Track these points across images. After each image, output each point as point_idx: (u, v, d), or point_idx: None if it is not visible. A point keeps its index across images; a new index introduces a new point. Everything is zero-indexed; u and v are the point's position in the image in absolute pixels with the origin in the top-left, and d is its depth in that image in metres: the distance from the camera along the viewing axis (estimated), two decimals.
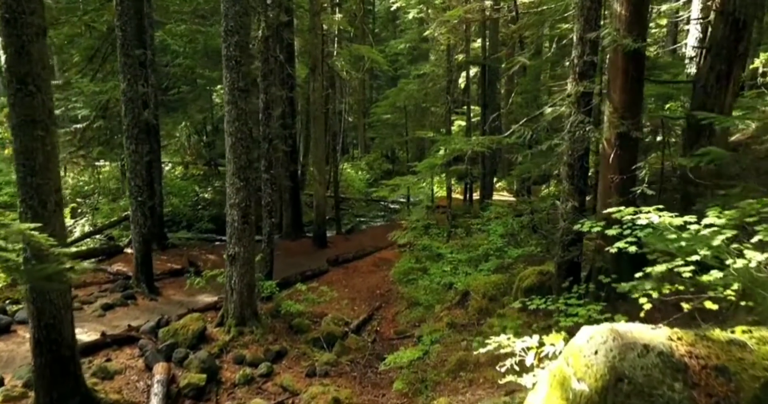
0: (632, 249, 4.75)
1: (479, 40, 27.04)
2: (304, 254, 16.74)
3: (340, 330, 10.52)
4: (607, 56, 7.74)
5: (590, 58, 7.58)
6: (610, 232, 5.08)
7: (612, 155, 7.26)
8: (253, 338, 9.77)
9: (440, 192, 29.60)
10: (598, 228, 5.28)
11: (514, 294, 9.74)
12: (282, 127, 17.04)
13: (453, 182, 28.22)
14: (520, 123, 7.62)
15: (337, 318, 11.09)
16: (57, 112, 13.47)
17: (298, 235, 17.76)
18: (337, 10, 27.76)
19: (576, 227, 5.64)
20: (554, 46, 18.87)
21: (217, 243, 19.42)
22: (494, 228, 12.54)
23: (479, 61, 23.57)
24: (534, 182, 28.44)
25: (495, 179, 26.81)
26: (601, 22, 7.82)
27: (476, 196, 26.98)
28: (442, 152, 7.28)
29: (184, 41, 18.16)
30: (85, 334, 9.34)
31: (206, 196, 25.12)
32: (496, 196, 26.60)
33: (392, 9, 30.25)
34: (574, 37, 7.79)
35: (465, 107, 29.02)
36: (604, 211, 7.44)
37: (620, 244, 4.88)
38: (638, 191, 6.93)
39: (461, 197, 27.50)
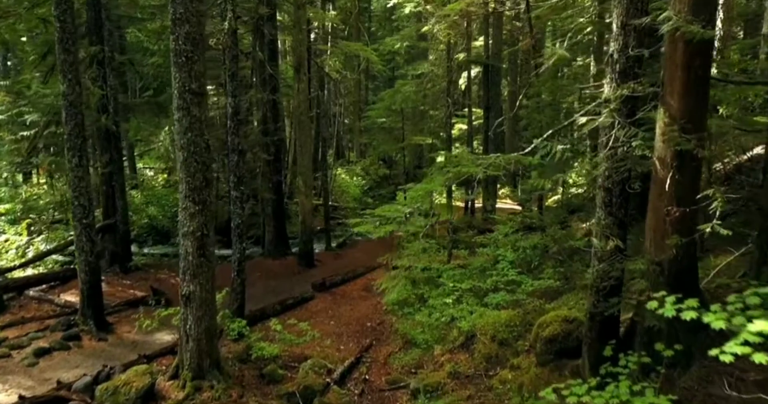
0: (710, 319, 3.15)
1: (481, 38, 25.33)
2: (287, 276, 14.96)
3: (320, 382, 8.73)
4: (662, 49, 5.98)
5: (637, 51, 5.81)
6: (687, 315, 3.38)
7: (668, 180, 5.48)
8: (213, 395, 7.99)
9: (440, 198, 27.91)
10: (671, 312, 3.53)
11: (533, 342, 7.98)
12: (263, 133, 15.27)
13: (453, 187, 26.59)
14: (545, 136, 5.86)
15: (319, 365, 9.29)
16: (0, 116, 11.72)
17: (282, 253, 15.98)
18: (330, 7, 26.02)
19: (651, 306, 3.86)
20: (566, 41, 17.13)
21: None
22: (503, 254, 10.77)
23: (481, 61, 21.84)
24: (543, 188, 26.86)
25: (498, 184, 25.07)
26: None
27: (478, 202, 25.31)
28: (444, 176, 5.51)
29: (159, 38, 16.40)
30: (1, 394, 7.56)
31: None
32: (499, 204, 24.84)
33: (389, 5, 28.53)
34: (614, 25, 6.03)
35: (466, 110, 27.33)
36: (661, 258, 5.71)
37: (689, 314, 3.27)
38: (707, 229, 5.16)
39: (462, 204, 25.79)
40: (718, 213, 5.14)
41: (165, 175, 28.03)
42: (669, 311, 3.40)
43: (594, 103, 6.11)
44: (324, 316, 12.19)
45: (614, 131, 5.49)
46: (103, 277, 13.42)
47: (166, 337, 10.26)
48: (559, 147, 5.74)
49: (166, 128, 29.13)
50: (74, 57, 9.34)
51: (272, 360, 9.36)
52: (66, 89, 9.34)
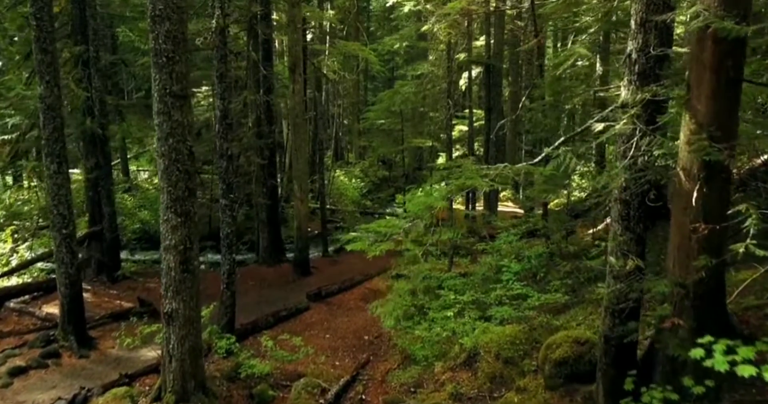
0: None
1: (482, 38, 24.79)
2: (281, 284, 14.41)
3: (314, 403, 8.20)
4: (686, 48, 5.44)
5: (659, 50, 5.27)
6: (744, 371, 2.84)
7: (695, 193, 4.94)
8: None
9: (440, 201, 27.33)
10: (723, 366, 2.97)
11: (541, 363, 7.43)
12: (257, 136, 14.73)
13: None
14: (557, 143, 5.32)
15: (312, 384, 8.74)
16: None
17: (276, 260, 15.44)
18: (328, 6, 25.48)
19: (692, 355, 3.32)
20: (569, 41, 16.59)
21: None
22: (507, 265, 10.22)
23: (483, 61, 21.30)
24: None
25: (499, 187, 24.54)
26: None
27: (479, 205, 24.74)
28: (446, 189, 4.96)
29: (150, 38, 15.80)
30: None
31: None
32: (500, 207, 24.28)
33: (388, 5, 27.98)
34: (632, 22, 5.49)
35: (466, 111, 26.78)
36: (686, 280, 5.15)
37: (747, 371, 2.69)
38: (740, 250, 4.62)
39: (462, 207, 25.24)
40: (752, 231, 4.60)
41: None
42: (720, 364, 2.83)
43: (610, 108, 5.57)
44: (319, 329, 11.64)
45: (635, 139, 4.94)
46: (89, 287, 12.93)
47: (151, 353, 9.69)
48: (574, 157, 5.20)
49: None
50: (52, 57, 8.78)
51: (263, 379, 8.83)
52: (43, 91, 8.79)
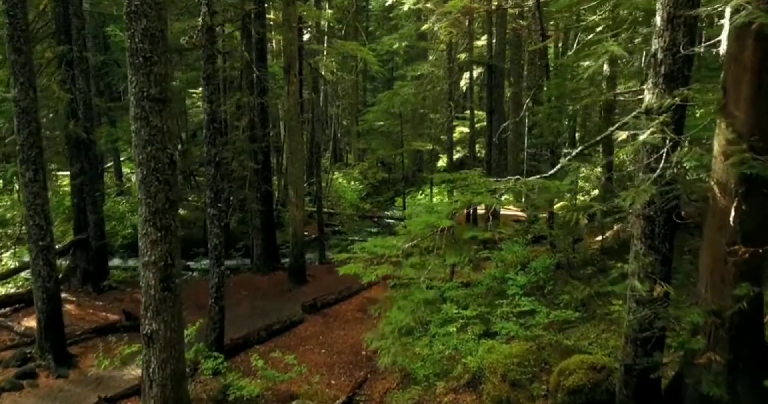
0: None
1: (483, 38, 24.20)
2: (276, 294, 13.83)
3: None
4: (719, 47, 4.87)
5: (690, 50, 4.71)
6: None
7: (732, 211, 4.37)
8: None
9: (444, 220, 26.67)
10: None
11: (553, 390, 6.86)
12: (251, 139, 14.15)
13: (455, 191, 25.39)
14: (573, 153, 4.76)
15: None
16: None
17: (271, 268, 14.86)
18: (326, 6, 24.91)
19: None
20: (576, 41, 16.01)
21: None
22: (513, 277, 9.64)
23: (484, 61, 20.73)
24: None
25: None
26: None
27: (480, 209, 24.16)
28: (450, 206, 4.38)
29: None
30: None
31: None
32: (502, 210, 23.68)
33: (387, 3, 27.39)
34: (658, 17, 4.93)
35: (467, 112, 26.17)
36: (721, 308, 4.56)
37: None
38: None
39: (464, 211, 24.66)
40: None
41: None
42: None
43: (633, 114, 5.00)
44: (314, 343, 11.06)
45: (665, 149, 4.37)
46: (73, 298, 12.35)
47: (136, 372, 9.10)
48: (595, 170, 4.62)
49: None
50: (26, 58, 8.20)
51: (253, 401, 8.27)
52: (18, 94, 8.21)
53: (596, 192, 16.07)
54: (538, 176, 4.70)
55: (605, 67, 14.32)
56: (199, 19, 8.26)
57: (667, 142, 4.38)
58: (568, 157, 4.77)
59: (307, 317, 12.19)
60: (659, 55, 4.90)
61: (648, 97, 5.00)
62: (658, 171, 4.29)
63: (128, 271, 16.38)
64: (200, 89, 22.08)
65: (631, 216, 5.17)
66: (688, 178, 4.78)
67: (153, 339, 6.83)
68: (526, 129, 22.24)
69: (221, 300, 9.13)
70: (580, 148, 4.92)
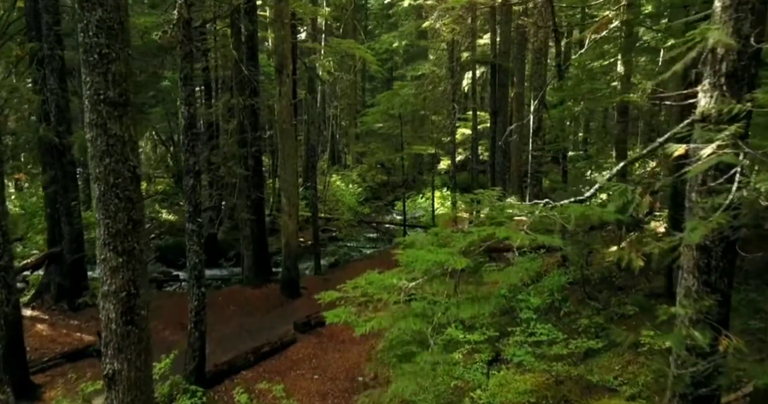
0: None
1: (486, 36, 23.30)
2: (267, 309, 12.91)
3: None
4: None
5: (760, 43, 3.80)
6: None
7: None
8: None
9: (442, 208, 25.73)
10: None
11: None
12: (240, 144, 13.23)
13: (458, 197, 24.44)
14: (614, 171, 3.85)
15: None
16: None
17: (263, 280, 13.93)
18: (324, 3, 24.00)
19: None
20: (588, 39, 15.08)
21: (167, 286, 15.59)
22: (526, 298, 8.72)
23: (488, 60, 19.81)
24: (547, 196, 24.72)
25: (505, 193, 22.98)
26: None
27: (483, 214, 23.25)
28: (465, 240, 3.46)
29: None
30: None
31: (167, 216, 21.34)
32: None
33: (386, 1, 26.50)
34: (717, 3, 4.03)
35: (469, 113, 25.24)
36: None
37: None
38: None
39: (466, 216, 23.75)
40: None
41: (145, 184, 26.07)
42: None
43: (685, 122, 4.08)
44: (306, 367, 10.14)
45: (737, 168, 3.44)
46: (46, 317, 11.43)
47: None
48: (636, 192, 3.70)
49: (147, 133, 27.12)
50: None
51: None
52: None
53: (604, 196, 15.18)
54: (572, 199, 3.79)
55: (619, 65, 13.41)
56: (174, 12, 7.34)
57: (741, 158, 3.45)
58: (608, 175, 3.85)
59: (300, 337, 11.26)
60: (719, 50, 3.99)
61: (704, 101, 4.09)
62: (730, 196, 3.37)
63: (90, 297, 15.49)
64: (196, 89, 21.31)
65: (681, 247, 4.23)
66: (759, 202, 3.83)
67: (115, 380, 5.89)
68: (531, 131, 21.34)
69: (201, 325, 8.20)
70: (622, 164, 4.00)
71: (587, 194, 3.88)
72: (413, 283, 3.79)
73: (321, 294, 4.20)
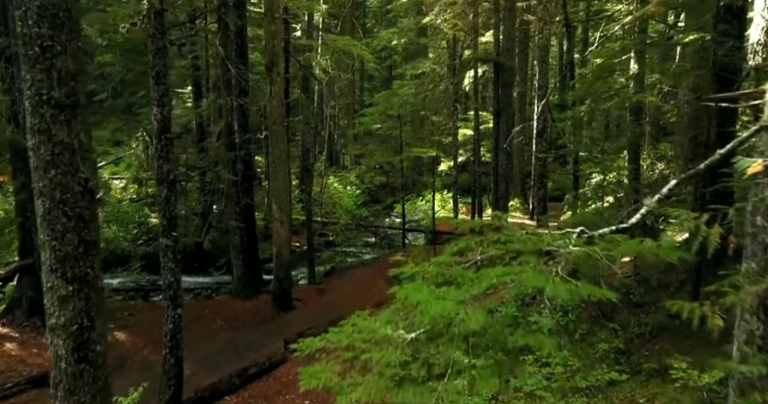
0: None
1: (488, 34, 22.49)
2: (256, 324, 12.10)
3: None
4: None
5: None
6: None
7: None
8: None
9: (442, 211, 24.89)
10: None
11: None
12: (228, 147, 12.41)
13: (459, 195, 23.59)
14: (666, 189, 3.03)
15: None
16: None
17: (253, 291, 13.12)
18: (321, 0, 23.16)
19: None
20: (597, 37, 14.26)
21: (153, 296, 14.76)
22: (539, 319, 7.89)
23: (491, 58, 18.99)
24: (551, 198, 23.89)
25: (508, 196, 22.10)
26: None
27: (486, 215, 22.42)
28: (479, 284, 2.64)
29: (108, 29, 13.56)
30: None
31: (156, 220, 20.48)
32: (509, 219, 21.94)
33: None
34: None
35: (470, 113, 24.41)
36: None
37: None
38: None
39: (467, 217, 22.92)
40: None
41: (136, 187, 25.27)
42: None
43: (751, 131, 3.26)
44: (297, 390, 9.32)
45: None
46: (16, 335, 10.59)
47: None
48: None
49: (138, 134, 26.32)
50: None
51: None
52: None
53: (610, 199, 14.38)
54: (613, 227, 3.00)
55: (632, 63, 12.59)
56: (144, 2, 6.52)
57: None
58: (655, 197, 3.03)
59: (291, 356, 10.44)
60: None
61: None
62: None
63: None
64: (189, 88, 20.48)
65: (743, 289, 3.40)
66: None
67: None
68: (534, 132, 20.55)
69: (178, 350, 7.39)
70: (674, 182, 3.17)
71: (632, 221, 3.06)
72: (412, 336, 2.98)
73: (299, 343, 3.36)
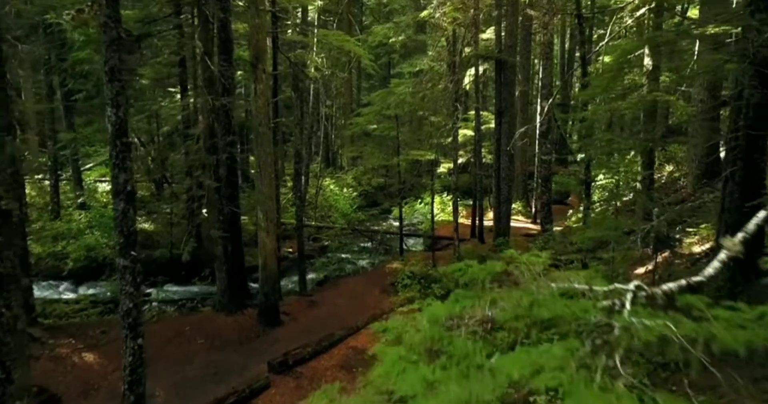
0: None
1: (489, 30, 21.56)
2: (241, 342, 11.16)
3: None
4: None
5: None
6: None
7: None
8: None
9: (442, 215, 23.96)
10: None
11: None
12: (210, 151, 11.48)
13: (458, 198, 22.67)
14: (754, 223, 2.12)
15: None
16: None
17: (238, 305, 12.18)
18: None
19: None
20: (608, 32, 13.33)
21: None
22: (548, 349, 6.96)
23: (493, 55, 18.05)
24: (555, 201, 22.93)
25: (510, 200, 21.13)
26: None
27: (488, 219, 21.49)
28: (494, 381, 1.73)
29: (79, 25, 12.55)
30: None
31: (144, 225, 19.53)
32: (512, 222, 20.96)
33: None
34: None
35: (471, 112, 23.48)
36: None
37: None
38: None
39: (467, 222, 21.98)
40: None
41: None
42: None
43: None
44: None
45: None
46: None
47: None
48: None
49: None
50: None
51: None
52: None
53: (616, 203, 13.47)
54: (683, 282, 2.09)
55: (646, 59, 11.67)
56: None
57: None
58: (738, 236, 2.12)
59: (275, 380, 9.51)
60: None
61: None
62: None
63: (69, 305, 13.76)
64: (179, 87, 19.51)
65: None
66: None
67: None
68: (538, 133, 19.62)
69: (140, 386, 6.46)
70: (764, 214, 2.26)
71: (708, 271, 2.14)
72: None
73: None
